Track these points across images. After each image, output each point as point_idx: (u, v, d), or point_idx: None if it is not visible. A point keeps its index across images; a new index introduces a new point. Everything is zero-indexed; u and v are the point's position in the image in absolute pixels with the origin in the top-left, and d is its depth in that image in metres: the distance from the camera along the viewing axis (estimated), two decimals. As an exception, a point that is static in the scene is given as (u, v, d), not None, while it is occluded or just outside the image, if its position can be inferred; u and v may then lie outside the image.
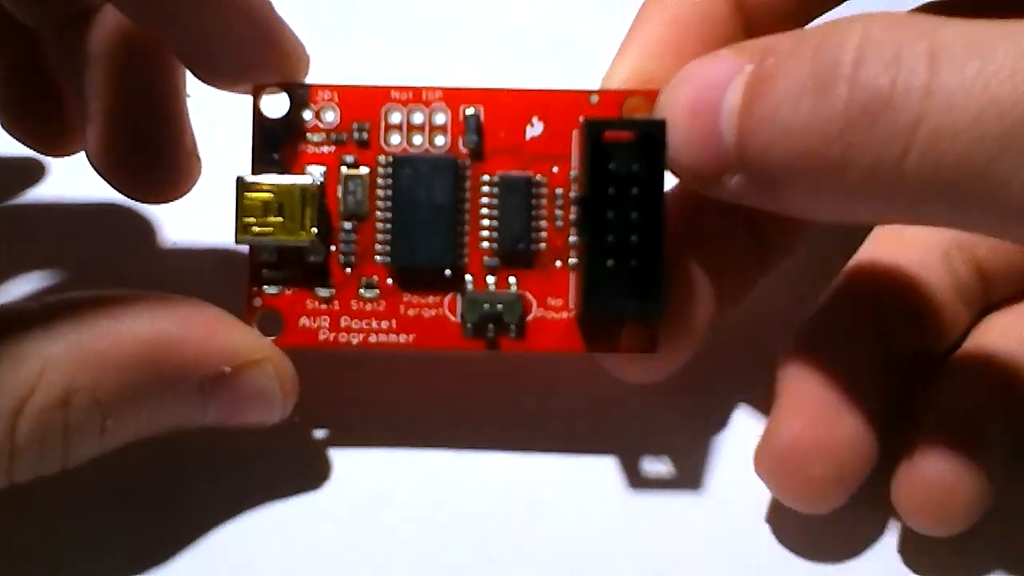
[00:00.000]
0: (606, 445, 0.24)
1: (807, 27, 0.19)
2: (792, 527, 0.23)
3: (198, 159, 0.25)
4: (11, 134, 0.26)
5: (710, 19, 0.23)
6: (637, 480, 0.24)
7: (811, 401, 0.21)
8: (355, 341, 0.22)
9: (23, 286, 0.26)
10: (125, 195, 0.25)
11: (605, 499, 0.23)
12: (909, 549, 0.23)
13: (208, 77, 0.22)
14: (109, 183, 0.24)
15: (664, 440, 0.24)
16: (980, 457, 0.21)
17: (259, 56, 0.21)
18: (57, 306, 0.20)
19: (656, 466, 0.24)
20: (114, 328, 0.20)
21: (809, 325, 0.23)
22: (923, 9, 0.24)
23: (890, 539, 0.23)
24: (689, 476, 0.24)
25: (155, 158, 0.24)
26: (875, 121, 0.17)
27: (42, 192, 0.28)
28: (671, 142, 0.20)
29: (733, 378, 0.25)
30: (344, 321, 0.22)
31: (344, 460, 0.24)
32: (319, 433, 0.24)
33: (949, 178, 0.16)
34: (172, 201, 0.25)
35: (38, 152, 0.26)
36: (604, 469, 0.24)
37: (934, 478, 0.21)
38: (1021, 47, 0.16)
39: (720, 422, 0.25)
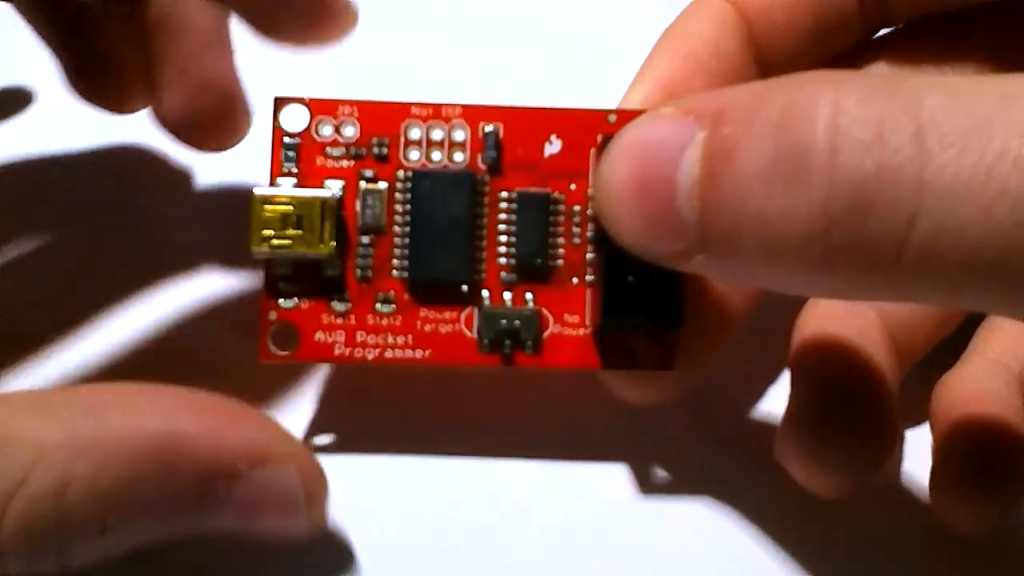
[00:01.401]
0: (616, 452, 0.24)
1: (767, 80, 0.17)
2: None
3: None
4: (77, 95, 0.26)
5: (721, 54, 0.23)
6: (647, 487, 0.24)
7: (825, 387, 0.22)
8: (371, 356, 0.22)
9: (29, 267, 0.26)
10: (192, 148, 0.25)
11: (614, 506, 0.23)
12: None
13: (268, 35, 0.23)
14: (180, 140, 0.25)
15: (673, 447, 0.24)
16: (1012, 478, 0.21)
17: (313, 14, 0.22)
18: (68, 396, 0.19)
19: (665, 473, 0.24)
20: (121, 421, 0.19)
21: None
22: (884, 40, 0.25)
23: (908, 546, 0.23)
24: (698, 483, 0.24)
25: (226, 114, 0.25)
26: (862, 218, 0.15)
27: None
28: (618, 220, 0.18)
29: (744, 385, 0.25)
30: (360, 336, 0.22)
31: (355, 465, 0.23)
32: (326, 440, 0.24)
33: (955, 271, 0.15)
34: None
35: (104, 111, 0.27)
36: (614, 476, 0.24)
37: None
38: (1016, 120, 0.14)
39: (730, 429, 0.25)
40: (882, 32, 0.25)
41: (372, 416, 0.24)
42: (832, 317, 0.23)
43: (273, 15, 0.22)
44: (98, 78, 0.26)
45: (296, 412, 0.24)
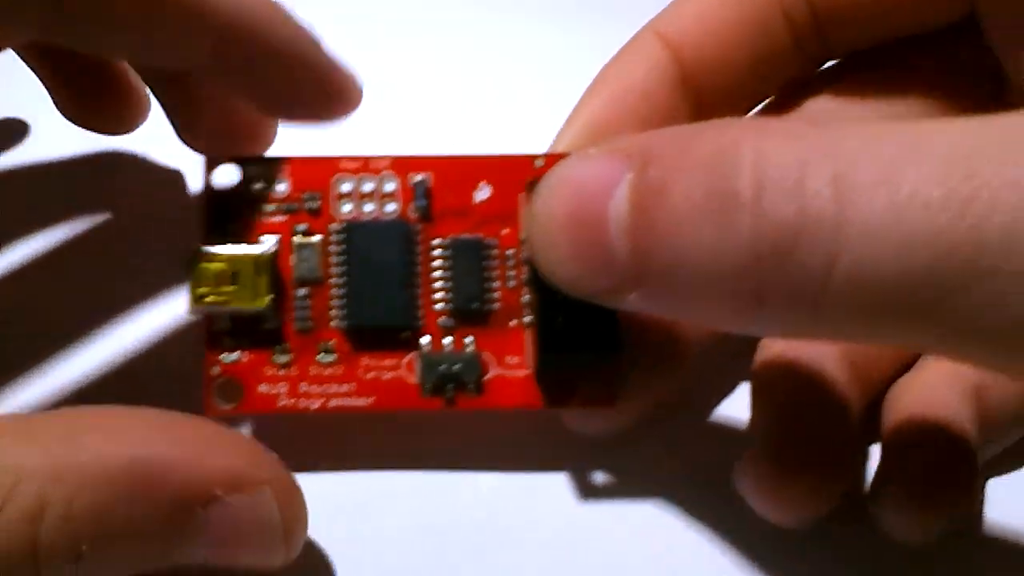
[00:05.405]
0: (557, 459, 0.24)
1: (691, 125, 0.18)
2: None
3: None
4: (66, 117, 0.27)
5: (650, 96, 0.24)
6: (590, 492, 0.24)
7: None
8: (314, 406, 0.22)
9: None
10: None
11: (560, 513, 0.23)
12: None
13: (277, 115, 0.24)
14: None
15: (615, 450, 0.24)
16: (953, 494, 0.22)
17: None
18: (48, 419, 0.19)
19: (609, 478, 0.24)
20: (98, 444, 0.18)
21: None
22: (828, 72, 0.25)
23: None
24: (643, 487, 0.24)
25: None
26: (787, 257, 0.16)
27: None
28: (551, 257, 0.19)
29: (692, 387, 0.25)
30: (303, 386, 0.22)
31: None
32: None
33: (872, 308, 0.16)
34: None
35: (94, 133, 0.27)
36: (557, 484, 0.24)
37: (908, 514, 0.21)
38: (930, 165, 0.15)
39: (678, 430, 0.25)
40: (828, 64, 0.25)
41: (303, 434, 0.24)
42: (793, 344, 0.23)
43: (282, 98, 0.23)
44: (88, 101, 0.26)
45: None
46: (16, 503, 0.17)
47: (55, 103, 0.26)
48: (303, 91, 0.23)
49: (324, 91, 0.23)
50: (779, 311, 0.16)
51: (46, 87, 0.26)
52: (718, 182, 0.16)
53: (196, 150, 0.25)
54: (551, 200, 0.18)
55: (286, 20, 0.22)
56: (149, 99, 0.26)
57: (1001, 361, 0.16)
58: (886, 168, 0.15)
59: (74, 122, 0.27)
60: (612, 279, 0.18)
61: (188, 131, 0.25)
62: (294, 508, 0.20)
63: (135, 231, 0.26)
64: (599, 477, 0.24)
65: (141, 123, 0.27)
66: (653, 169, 0.17)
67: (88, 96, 0.26)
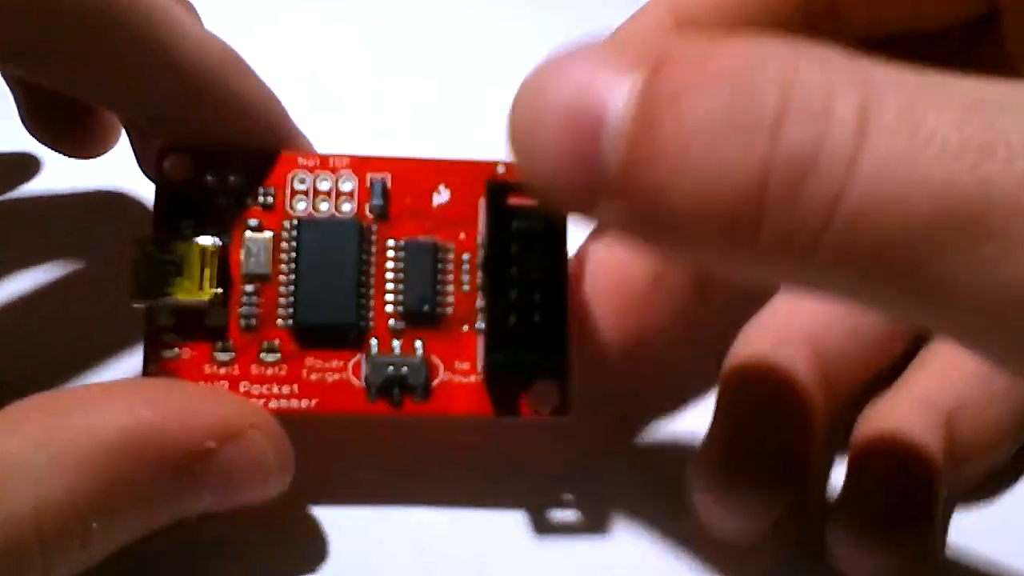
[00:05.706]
0: (511, 495, 0.23)
1: (712, 37, 0.16)
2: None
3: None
4: (33, 135, 0.26)
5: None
6: (544, 528, 0.23)
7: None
8: (255, 407, 0.21)
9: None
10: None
11: (513, 549, 0.23)
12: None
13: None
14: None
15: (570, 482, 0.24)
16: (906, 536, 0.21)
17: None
18: (27, 406, 0.19)
19: (563, 513, 0.23)
20: (86, 423, 0.18)
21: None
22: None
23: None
24: (597, 520, 0.23)
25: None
26: (797, 187, 0.14)
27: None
28: (531, 154, 0.16)
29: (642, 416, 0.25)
30: (244, 386, 0.21)
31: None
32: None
33: (866, 257, 0.14)
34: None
35: (60, 153, 0.27)
36: (511, 519, 0.23)
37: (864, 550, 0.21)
38: (952, 107, 0.14)
39: (630, 461, 0.24)
40: None
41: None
42: (763, 350, 0.22)
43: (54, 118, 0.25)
44: (53, 123, 0.26)
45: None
46: (13, 496, 0.17)
47: (22, 120, 0.26)
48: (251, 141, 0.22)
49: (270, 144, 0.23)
50: (773, 247, 0.15)
51: (15, 103, 0.26)
52: (740, 97, 0.15)
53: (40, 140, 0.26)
54: (542, 94, 0.16)
55: (246, 74, 0.22)
56: (118, 126, 0.26)
57: (993, 342, 0.14)
58: (908, 103, 0.14)
59: (40, 141, 0.26)
60: (594, 184, 0.15)
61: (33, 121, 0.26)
62: (281, 442, 0.21)
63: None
64: (561, 504, 0.23)
65: (109, 148, 0.27)
66: (669, 73, 0.15)
67: (54, 117, 0.26)
